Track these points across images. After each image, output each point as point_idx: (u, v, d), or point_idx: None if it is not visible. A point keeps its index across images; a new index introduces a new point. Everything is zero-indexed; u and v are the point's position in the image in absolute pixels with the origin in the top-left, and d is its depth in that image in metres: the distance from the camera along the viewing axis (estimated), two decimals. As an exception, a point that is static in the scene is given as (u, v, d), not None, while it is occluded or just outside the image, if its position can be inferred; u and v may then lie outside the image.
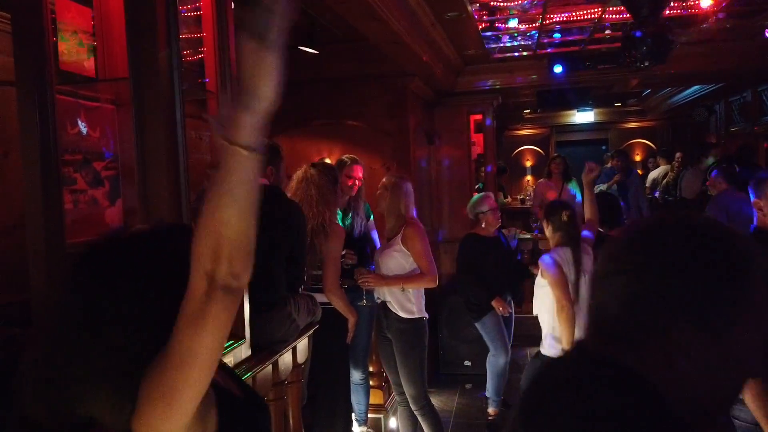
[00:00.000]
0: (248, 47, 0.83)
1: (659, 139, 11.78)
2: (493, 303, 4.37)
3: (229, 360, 1.88)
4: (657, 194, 9.17)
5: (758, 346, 0.80)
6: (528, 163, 12.31)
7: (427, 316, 3.59)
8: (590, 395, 0.77)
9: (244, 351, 1.97)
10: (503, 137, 12.07)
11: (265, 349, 2.09)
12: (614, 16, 5.04)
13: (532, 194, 8.18)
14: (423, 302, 3.59)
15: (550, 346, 3.25)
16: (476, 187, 7.46)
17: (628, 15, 4.71)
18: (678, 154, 9.52)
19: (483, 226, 4.55)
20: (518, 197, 10.18)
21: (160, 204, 1.63)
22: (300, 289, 2.58)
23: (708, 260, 0.79)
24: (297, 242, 2.43)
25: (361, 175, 3.63)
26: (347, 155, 3.86)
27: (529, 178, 11.72)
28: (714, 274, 0.78)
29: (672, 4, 4.83)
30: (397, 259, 3.42)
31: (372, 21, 3.83)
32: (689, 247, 0.80)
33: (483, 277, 4.47)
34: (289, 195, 2.92)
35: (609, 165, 9.83)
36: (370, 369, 4.00)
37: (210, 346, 0.83)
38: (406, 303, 3.42)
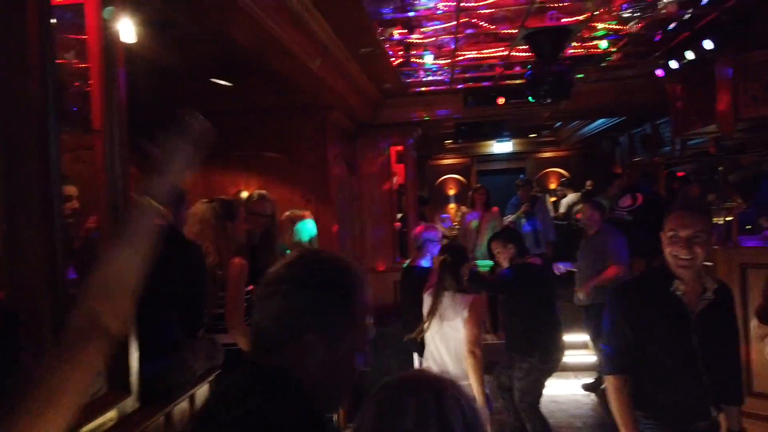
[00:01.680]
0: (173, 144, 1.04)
1: (572, 168, 12.42)
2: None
3: (112, 415, 1.76)
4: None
5: (360, 348, 1.09)
6: (451, 192, 12.62)
7: None
8: (250, 392, 0.98)
9: (130, 404, 1.86)
10: (426, 167, 12.34)
11: (157, 400, 1.97)
12: (520, 54, 5.30)
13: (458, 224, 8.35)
14: None
15: None
16: (398, 217, 7.55)
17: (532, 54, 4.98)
18: (588, 183, 10.06)
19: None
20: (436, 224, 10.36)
21: (28, 254, 1.51)
22: (200, 333, 2.47)
23: (327, 284, 1.05)
24: (194, 284, 2.33)
25: (270, 211, 3.57)
26: (256, 191, 3.79)
27: (452, 206, 11.98)
28: (331, 294, 1.05)
29: (573, 44, 5.15)
30: None
31: (284, 56, 3.83)
32: (315, 274, 1.06)
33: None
34: (186, 232, 2.81)
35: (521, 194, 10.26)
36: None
37: (78, 384, 0.90)
38: None
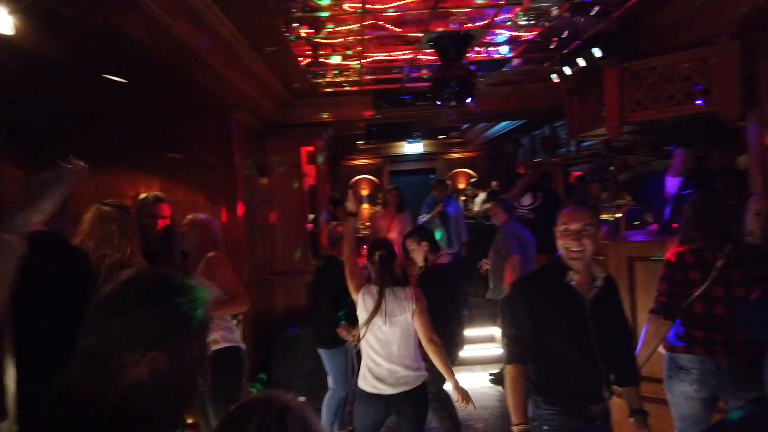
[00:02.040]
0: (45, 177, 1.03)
1: (479, 168, 12.88)
2: (339, 330, 4.27)
3: (-16, 443, 1.61)
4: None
5: (200, 365, 1.10)
6: (364, 192, 12.69)
7: (237, 344, 3.48)
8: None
9: (6, 428, 1.70)
10: (339, 167, 12.33)
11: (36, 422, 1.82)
12: (426, 57, 5.41)
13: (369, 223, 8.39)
14: (234, 332, 3.52)
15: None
16: (310, 218, 7.48)
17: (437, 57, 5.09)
18: (494, 183, 10.47)
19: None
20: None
21: None
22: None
23: (168, 301, 1.05)
24: (81, 295, 2.18)
25: (167, 213, 3.41)
26: (152, 193, 3.62)
27: (365, 206, 12.05)
28: (172, 312, 1.05)
29: (476, 49, 5.33)
30: None
31: (184, 54, 3.68)
32: (155, 292, 1.06)
33: (339, 302, 4.30)
34: (79, 239, 2.63)
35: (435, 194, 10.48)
36: (189, 421, 3.74)
37: None
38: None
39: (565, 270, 2.30)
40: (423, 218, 7.61)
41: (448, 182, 9.80)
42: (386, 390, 3.09)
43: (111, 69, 4.29)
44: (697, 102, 4.33)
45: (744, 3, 3.47)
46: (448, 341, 3.98)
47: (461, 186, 12.56)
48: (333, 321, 4.24)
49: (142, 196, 4.68)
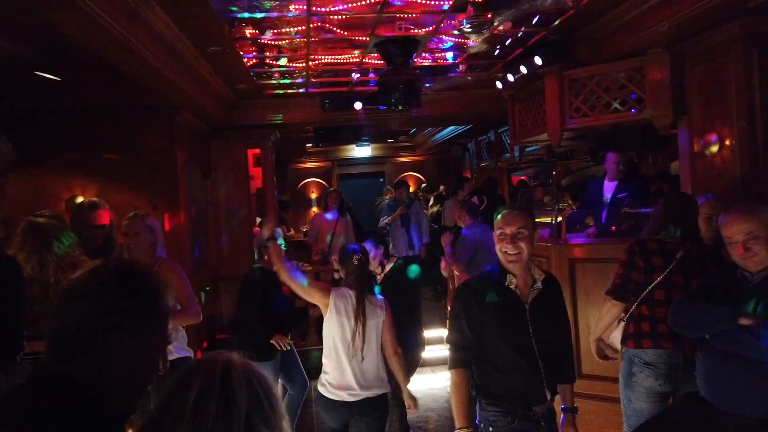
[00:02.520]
0: None
1: (427, 172, 13.02)
2: (273, 339, 4.19)
3: None
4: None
5: (163, 348, 1.18)
6: (313, 195, 12.61)
7: (189, 354, 3.38)
8: (46, 409, 0.98)
9: None
10: (288, 170, 12.21)
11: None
12: (374, 61, 5.44)
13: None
14: (184, 341, 3.42)
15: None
16: (257, 221, 7.36)
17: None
18: (441, 187, 10.61)
19: (266, 258, 4.37)
20: (302, 230, 10.31)
21: None
22: (19, 357, 2.19)
23: (134, 287, 1.12)
24: (8, 299, 2.06)
25: (105, 221, 3.28)
26: (87, 200, 3.48)
27: (315, 209, 11.98)
28: (138, 297, 1.11)
29: (423, 54, 5.39)
30: None
31: (121, 51, 3.56)
32: (122, 279, 1.12)
33: (267, 311, 4.23)
34: (11, 251, 2.50)
35: (388, 197, 10.52)
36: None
37: None
38: None
39: (504, 274, 2.34)
40: (384, 220, 7.62)
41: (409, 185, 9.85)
42: (348, 397, 3.06)
43: (45, 66, 4.11)
44: (632, 110, 4.52)
45: (673, 16, 3.64)
46: (410, 342, 4.01)
47: (410, 190, 12.66)
48: (260, 331, 4.16)
49: (79, 200, 4.50)
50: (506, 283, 2.33)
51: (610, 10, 4.13)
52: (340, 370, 3.08)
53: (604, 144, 6.19)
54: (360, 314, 3.07)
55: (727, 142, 3.77)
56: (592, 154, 7.37)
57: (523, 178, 10.47)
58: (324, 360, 3.19)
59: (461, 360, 2.34)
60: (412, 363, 4.04)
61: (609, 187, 5.07)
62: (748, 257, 2.31)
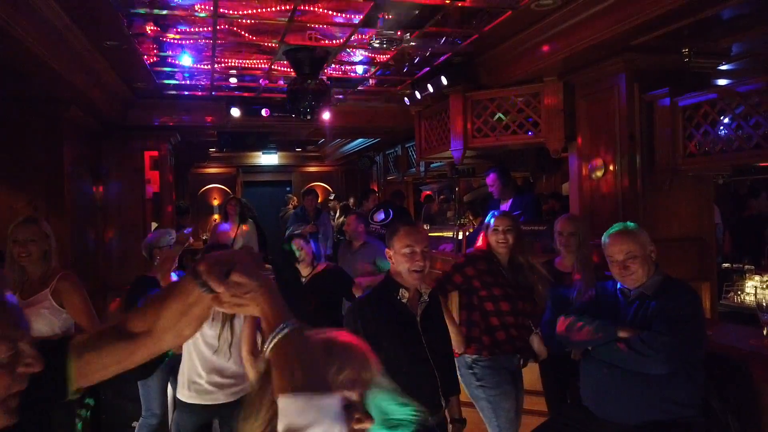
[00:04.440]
0: None
1: (335, 183, 13.00)
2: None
3: None
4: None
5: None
6: (215, 202, 12.18)
7: None
8: None
9: None
10: (189, 175, 11.70)
11: None
12: (282, 69, 5.35)
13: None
14: None
15: None
16: (153, 227, 6.97)
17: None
18: (351, 200, 10.63)
19: (156, 264, 4.10)
20: (202, 237, 9.90)
21: None
22: None
23: None
24: None
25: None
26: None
27: (216, 216, 11.57)
28: None
29: (333, 66, 5.39)
30: (47, 317, 2.86)
31: (2, 38, 3.24)
32: None
33: None
34: None
35: (291, 206, 10.38)
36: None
37: None
38: None
39: (396, 288, 2.37)
40: (294, 230, 7.45)
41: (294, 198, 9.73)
42: (210, 400, 2.91)
43: None
44: (528, 133, 4.77)
45: (564, 49, 3.90)
46: None
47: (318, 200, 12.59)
48: None
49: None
50: (398, 297, 2.36)
51: (509, 38, 4.35)
52: (199, 373, 2.94)
53: (504, 163, 6.50)
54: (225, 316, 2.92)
55: (611, 168, 4.08)
56: (492, 172, 7.70)
57: (428, 192, 10.75)
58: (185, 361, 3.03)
59: None
60: None
61: (505, 206, 5.32)
62: (626, 275, 2.49)
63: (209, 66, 5.34)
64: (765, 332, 2.79)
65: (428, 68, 5.31)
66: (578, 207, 4.47)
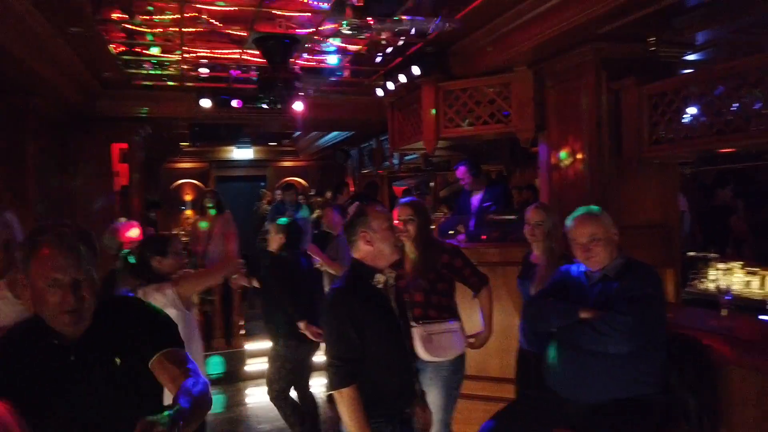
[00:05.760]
0: None
1: (310, 178, 12.92)
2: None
3: None
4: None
5: None
6: (188, 197, 12.02)
7: None
8: None
9: None
10: (161, 169, 11.53)
11: None
12: (254, 58, 5.29)
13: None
14: None
15: None
16: (120, 222, 6.84)
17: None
18: (328, 194, 10.57)
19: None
20: (175, 232, 9.77)
21: None
22: None
23: None
24: None
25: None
26: None
27: (188, 212, 11.41)
28: None
29: (305, 55, 5.35)
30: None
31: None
32: None
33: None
34: None
35: (266, 201, 10.28)
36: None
37: None
38: None
39: (371, 273, 2.28)
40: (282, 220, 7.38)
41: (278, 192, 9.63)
42: None
43: None
44: (499, 123, 4.79)
45: (533, 38, 3.93)
46: (293, 335, 3.96)
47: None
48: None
49: None
50: (374, 282, 2.28)
51: (479, 27, 4.37)
52: None
53: (478, 156, 6.53)
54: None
55: (579, 156, 4.12)
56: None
57: (405, 187, 10.75)
58: None
59: (352, 373, 2.14)
60: (295, 356, 4.01)
61: (476, 198, 5.36)
62: (590, 257, 2.52)
63: (179, 56, 5.26)
64: (723, 313, 2.85)
65: (401, 59, 5.30)
66: (547, 195, 4.51)
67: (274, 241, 4.16)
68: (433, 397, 2.88)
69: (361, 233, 2.28)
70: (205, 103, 6.26)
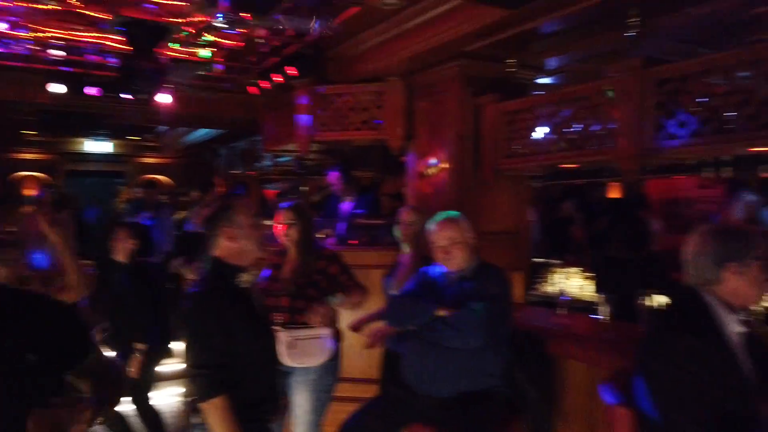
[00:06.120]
0: None
1: (175, 176, 12.25)
2: None
3: None
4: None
5: None
6: (30, 193, 10.82)
7: None
8: None
9: None
10: (-1, 159, 10.30)
11: None
12: (117, 45, 4.94)
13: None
14: None
15: None
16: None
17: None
18: (196, 194, 10.09)
19: None
20: (13, 229, 8.75)
21: None
22: None
23: None
24: None
25: None
26: None
27: (29, 208, 10.28)
28: None
29: (175, 46, 5.09)
30: None
31: None
32: None
33: None
34: None
35: (123, 199, 9.58)
36: None
37: None
38: None
39: (234, 273, 2.16)
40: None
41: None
42: None
43: None
44: (371, 130, 4.93)
45: (403, 50, 4.12)
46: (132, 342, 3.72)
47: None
48: None
49: None
50: (238, 282, 2.16)
51: (356, 34, 4.49)
52: None
53: (350, 161, 6.64)
54: None
55: (443, 166, 4.38)
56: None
57: (277, 191, 10.60)
58: None
59: (222, 381, 2.01)
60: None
61: (348, 204, 5.46)
62: (448, 259, 2.69)
63: (31, 35, 4.77)
64: (561, 312, 3.19)
65: (277, 59, 5.25)
66: (414, 202, 4.72)
67: (125, 247, 3.82)
68: (302, 400, 2.88)
69: (224, 229, 2.15)
70: (58, 88, 5.69)
